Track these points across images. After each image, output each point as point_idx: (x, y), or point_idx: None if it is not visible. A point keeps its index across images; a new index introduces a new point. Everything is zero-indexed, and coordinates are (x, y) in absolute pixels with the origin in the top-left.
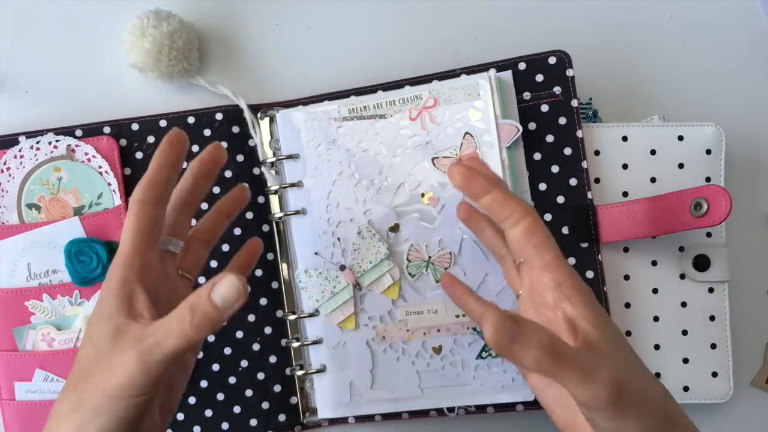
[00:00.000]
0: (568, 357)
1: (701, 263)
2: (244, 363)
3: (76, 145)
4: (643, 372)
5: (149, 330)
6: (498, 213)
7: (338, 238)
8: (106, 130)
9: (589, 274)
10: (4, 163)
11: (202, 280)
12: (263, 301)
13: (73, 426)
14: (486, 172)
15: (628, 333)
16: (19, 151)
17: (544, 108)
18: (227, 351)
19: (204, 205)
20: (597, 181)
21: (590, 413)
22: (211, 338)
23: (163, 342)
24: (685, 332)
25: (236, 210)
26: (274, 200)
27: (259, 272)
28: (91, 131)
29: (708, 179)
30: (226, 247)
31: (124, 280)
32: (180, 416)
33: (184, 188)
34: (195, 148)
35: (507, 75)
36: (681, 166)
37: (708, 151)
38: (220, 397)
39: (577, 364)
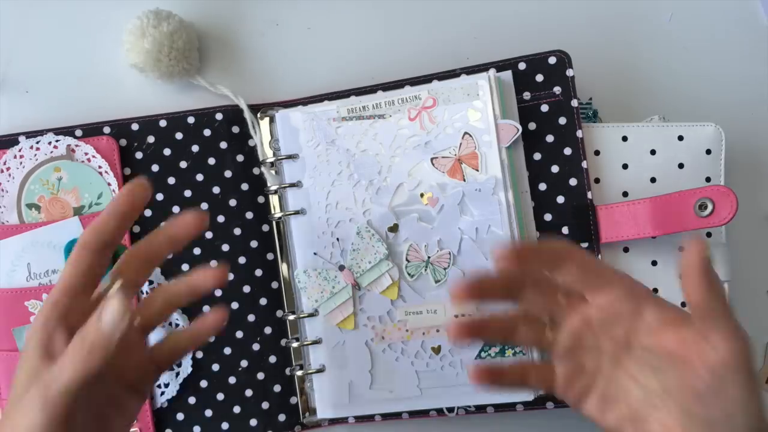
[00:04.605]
0: None
1: None
2: (244, 363)
3: (76, 145)
4: None
5: (52, 367)
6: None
7: (337, 239)
8: (106, 130)
9: None
10: (4, 163)
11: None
12: (263, 301)
13: None
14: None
15: None
16: (19, 151)
17: (544, 108)
18: (227, 351)
19: (204, 205)
20: (597, 181)
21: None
22: (211, 338)
23: (59, 376)
24: None
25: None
26: (273, 200)
27: (259, 272)
28: (91, 131)
29: (708, 179)
30: (225, 247)
31: (45, 321)
32: (180, 416)
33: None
34: (195, 148)
35: (507, 75)
36: (681, 166)
37: (708, 151)
38: (220, 397)
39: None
